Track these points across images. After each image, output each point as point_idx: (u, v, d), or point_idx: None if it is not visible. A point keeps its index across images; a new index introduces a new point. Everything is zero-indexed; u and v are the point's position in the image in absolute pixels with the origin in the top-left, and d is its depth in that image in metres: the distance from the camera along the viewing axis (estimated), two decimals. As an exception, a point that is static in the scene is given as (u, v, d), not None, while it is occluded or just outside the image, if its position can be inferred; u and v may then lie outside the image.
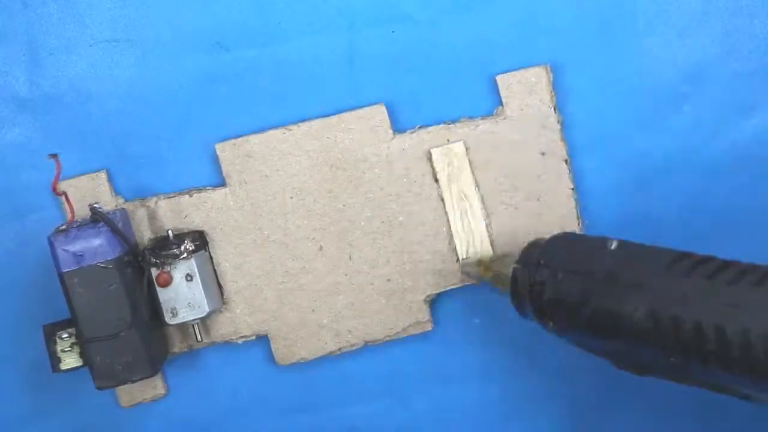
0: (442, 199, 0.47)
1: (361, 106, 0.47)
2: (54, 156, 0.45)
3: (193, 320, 0.46)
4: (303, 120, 0.47)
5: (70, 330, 0.45)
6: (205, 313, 0.46)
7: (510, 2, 0.47)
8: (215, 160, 0.47)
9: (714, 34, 0.47)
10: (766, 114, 0.47)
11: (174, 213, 0.47)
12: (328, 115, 0.47)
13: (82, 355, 0.44)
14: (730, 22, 0.47)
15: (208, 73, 0.48)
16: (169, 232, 0.47)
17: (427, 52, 0.48)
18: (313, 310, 0.48)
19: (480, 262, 0.46)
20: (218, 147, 0.47)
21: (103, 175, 0.47)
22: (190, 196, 0.47)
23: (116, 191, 0.48)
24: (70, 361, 0.45)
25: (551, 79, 0.47)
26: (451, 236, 0.47)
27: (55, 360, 0.45)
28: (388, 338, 0.48)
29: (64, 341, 0.45)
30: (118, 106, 0.48)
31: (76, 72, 0.48)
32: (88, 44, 0.48)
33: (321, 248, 0.48)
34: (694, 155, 0.47)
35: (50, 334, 0.45)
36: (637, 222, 0.47)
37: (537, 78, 0.47)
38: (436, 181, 0.47)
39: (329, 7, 0.48)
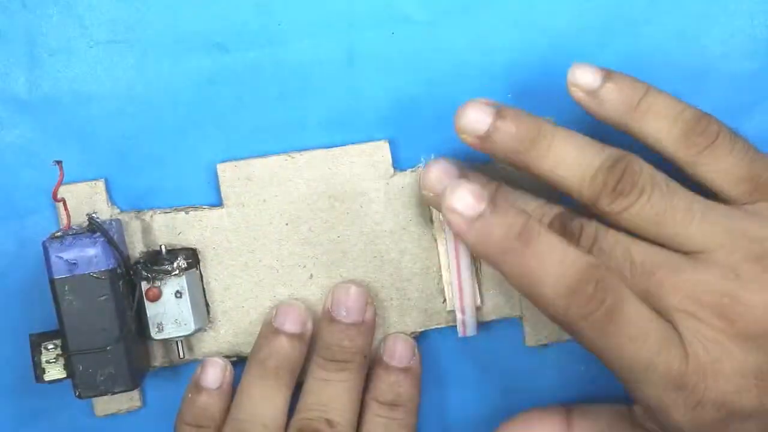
0: (435, 240, 0.48)
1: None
2: (58, 162, 0.45)
3: (179, 337, 0.46)
4: (301, 147, 0.48)
5: (56, 341, 0.44)
6: (191, 331, 0.46)
7: (509, 3, 0.48)
8: (215, 178, 0.48)
9: (714, 34, 0.48)
10: (766, 114, 0.48)
11: (168, 229, 0.47)
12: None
13: (66, 367, 0.44)
14: (730, 23, 0.48)
15: (208, 74, 0.48)
16: (163, 247, 0.47)
17: (428, 57, 0.48)
18: (297, 337, 0.48)
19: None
20: (220, 167, 0.47)
21: (101, 184, 0.47)
22: (187, 213, 0.47)
23: (112, 201, 0.47)
24: (54, 372, 0.44)
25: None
26: (440, 277, 0.48)
27: (39, 370, 0.44)
28: (368, 371, 0.48)
29: (50, 352, 0.44)
30: (118, 108, 0.48)
31: (75, 73, 0.48)
32: (88, 45, 0.48)
33: (311, 276, 0.48)
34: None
35: (36, 343, 0.45)
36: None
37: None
38: (431, 221, 0.48)
39: (329, 9, 0.48)
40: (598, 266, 0.39)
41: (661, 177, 0.41)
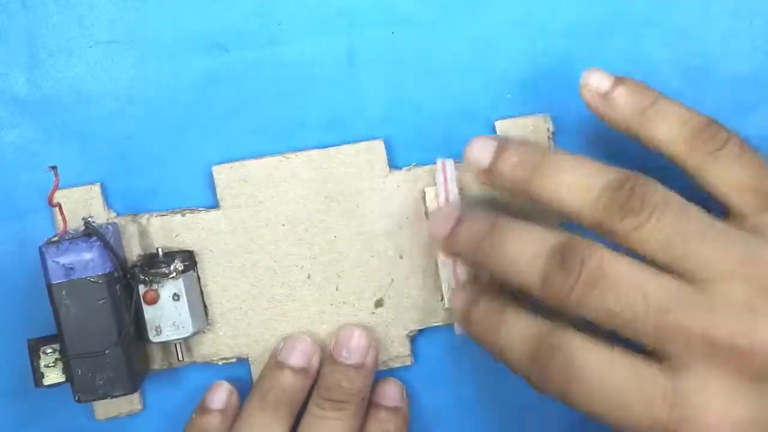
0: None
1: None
2: (53, 168, 0.45)
3: (177, 339, 0.46)
4: (301, 148, 0.48)
5: (54, 345, 0.44)
6: (189, 334, 0.46)
7: (509, 3, 0.48)
8: (210, 181, 0.48)
9: (714, 34, 0.48)
10: (766, 114, 0.48)
11: (165, 231, 0.47)
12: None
13: (65, 370, 0.44)
14: (730, 23, 0.48)
15: (208, 74, 0.48)
16: (160, 250, 0.47)
17: (427, 56, 0.48)
18: (295, 338, 0.48)
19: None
20: (215, 169, 0.47)
21: (97, 188, 0.47)
22: (183, 215, 0.48)
23: (109, 204, 0.48)
24: (53, 376, 0.44)
25: (551, 128, 0.47)
26: (437, 275, 0.48)
27: (38, 375, 0.45)
28: (367, 370, 0.48)
29: (48, 356, 0.45)
30: (118, 108, 0.48)
31: (75, 73, 0.48)
32: (88, 45, 0.48)
33: (309, 276, 0.48)
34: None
35: (35, 348, 0.45)
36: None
37: (535, 126, 0.48)
38: (428, 219, 0.48)
39: (329, 9, 0.48)
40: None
41: (673, 196, 0.39)
